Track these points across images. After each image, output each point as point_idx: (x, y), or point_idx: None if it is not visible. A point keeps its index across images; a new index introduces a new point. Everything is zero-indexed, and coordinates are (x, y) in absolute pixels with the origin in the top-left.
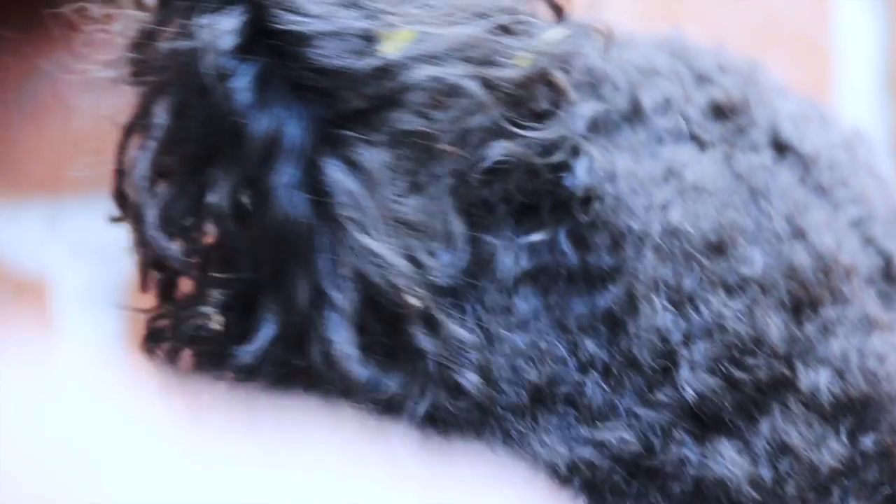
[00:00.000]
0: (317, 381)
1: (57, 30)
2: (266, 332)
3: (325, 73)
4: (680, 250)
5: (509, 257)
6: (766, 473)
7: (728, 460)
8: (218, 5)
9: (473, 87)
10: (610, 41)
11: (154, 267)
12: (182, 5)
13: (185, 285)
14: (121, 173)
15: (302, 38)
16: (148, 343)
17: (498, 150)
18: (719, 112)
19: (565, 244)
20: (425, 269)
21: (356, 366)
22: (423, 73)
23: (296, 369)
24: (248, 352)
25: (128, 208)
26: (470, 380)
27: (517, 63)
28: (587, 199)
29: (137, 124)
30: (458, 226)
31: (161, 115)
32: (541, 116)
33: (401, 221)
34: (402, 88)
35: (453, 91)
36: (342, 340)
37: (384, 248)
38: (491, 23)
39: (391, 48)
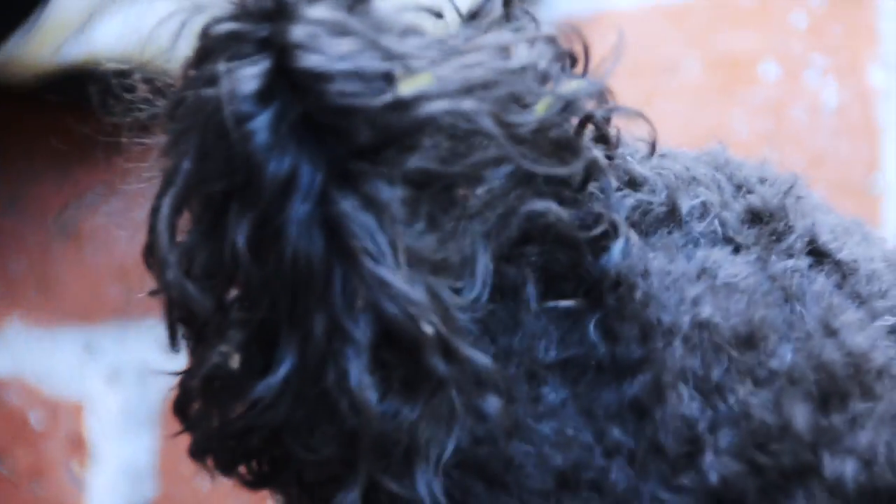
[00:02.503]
0: (334, 413)
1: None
2: (284, 367)
3: (343, 112)
4: (709, 342)
5: (541, 346)
6: None
7: None
8: (247, 53)
9: (488, 123)
10: (651, 147)
11: (179, 318)
12: (214, 58)
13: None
14: (152, 229)
15: (322, 77)
16: (179, 405)
17: (534, 205)
18: (756, 217)
19: (595, 335)
20: (446, 304)
21: (372, 394)
22: (436, 106)
23: (313, 403)
24: (267, 386)
25: (154, 258)
26: (492, 404)
27: (536, 108)
28: (617, 284)
29: (164, 175)
30: (484, 266)
31: (185, 161)
32: (578, 188)
33: (418, 257)
34: (416, 122)
35: (468, 129)
36: (357, 370)
37: (397, 279)
38: (510, 66)
39: (408, 88)
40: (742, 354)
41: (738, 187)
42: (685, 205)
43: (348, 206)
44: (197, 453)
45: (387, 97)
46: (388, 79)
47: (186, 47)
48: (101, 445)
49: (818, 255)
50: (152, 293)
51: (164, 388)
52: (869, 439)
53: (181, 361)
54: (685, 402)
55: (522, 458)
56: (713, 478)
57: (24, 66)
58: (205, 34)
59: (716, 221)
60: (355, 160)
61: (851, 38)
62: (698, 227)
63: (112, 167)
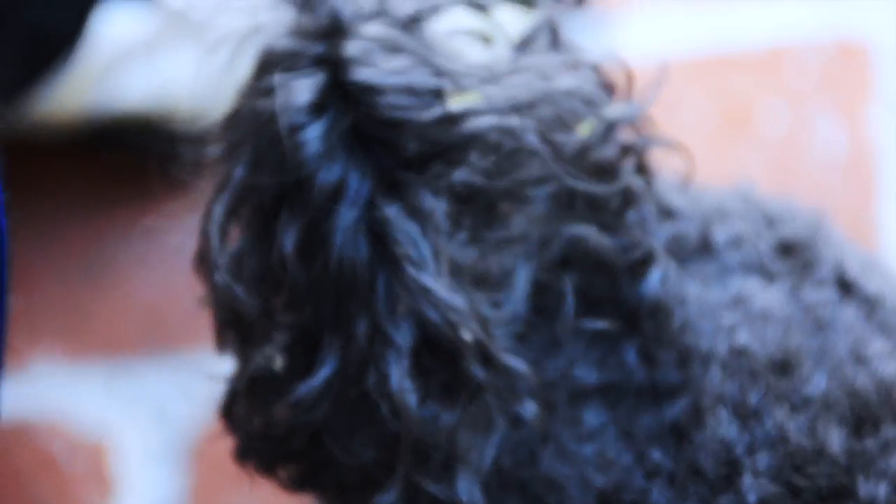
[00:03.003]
0: (375, 417)
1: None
2: (326, 369)
3: (392, 124)
4: (746, 368)
5: (581, 370)
6: None
7: None
8: (303, 68)
9: (533, 141)
10: (686, 180)
11: (227, 319)
12: (271, 72)
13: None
14: (205, 234)
15: (373, 91)
16: (224, 407)
17: (575, 229)
18: (787, 249)
19: (633, 361)
20: (485, 313)
21: (411, 398)
22: (483, 122)
23: (354, 406)
24: (309, 387)
25: (204, 263)
26: (528, 409)
27: (580, 130)
28: (655, 310)
29: (218, 183)
30: (523, 282)
31: (238, 168)
32: (618, 214)
33: (459, 267)
34: (463, 137)
35: (513, 147)
36: (398, 374)
37: (439, 286)
38: (556, 88)
39: (457, 104)
40: (778, 380)
41: (769, 221)
42: (720, 235)
43: (393, 214)
44: (240, 454)
45: (436, 111)
46: (438, 94)
47: (231, 89)
48: (125, 482)
49: (847, 287)
50: (203, 300)
51: (189, 424)
52: None
53: (206, 399)
54: (724, 425)
55: (564, 479)
56: (752, 499)
57: (50, 119)
58: (264, 51)
59: (749, 252)
60: (402, 171)
61: (857, 89)
62: (733, 257)
63: (137, 207)
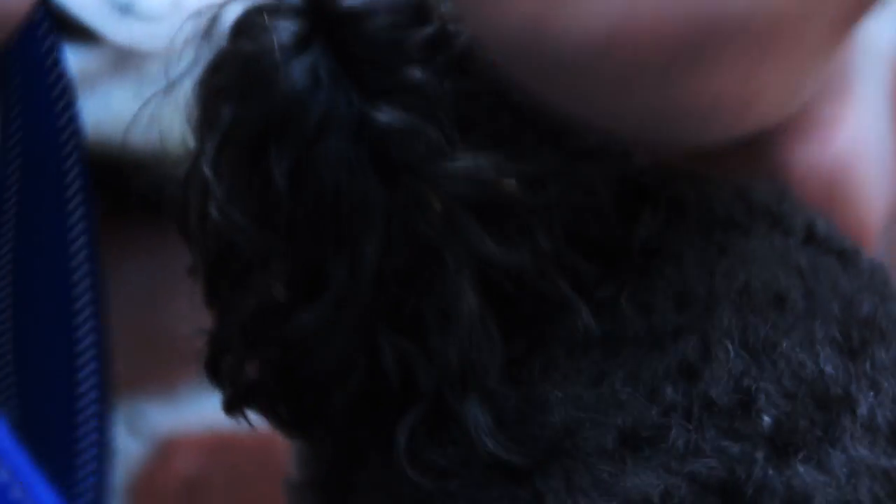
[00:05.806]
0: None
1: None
2: (329, 296)
3: (378, 47)
4: (747, 305)
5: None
6: (844, 488)
7: (808, 478)
8: (288, 11)
9: None
10: None
11: (220, 259)
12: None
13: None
14: (197, 174)
15: (357, 15)
16: (211, 361)
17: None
18: (757, 208)
19: (628, 310)
20: None
21: None
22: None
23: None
24: (312, 314)
25: (191, 201)
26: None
27: None
28: (650, 252)
29: (206, 126)
30: None
31: (225, 108)
32: None
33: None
34: (452, 55)
35: None
36: None
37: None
38: None
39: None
40: (777, 315)
41: (739, 190)
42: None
43: (386, 114)
44: (229, 407)
45: (425, 32)
46: (424, 10)
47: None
48: None
49: (817, 240)
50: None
51: (126, 466)
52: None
53: (145, 437)
54: (732, 357)
55: (577, 423)
56: (766, 422)
57: None
58: (246, 11)
59: (722, 208)
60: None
61: None
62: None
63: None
